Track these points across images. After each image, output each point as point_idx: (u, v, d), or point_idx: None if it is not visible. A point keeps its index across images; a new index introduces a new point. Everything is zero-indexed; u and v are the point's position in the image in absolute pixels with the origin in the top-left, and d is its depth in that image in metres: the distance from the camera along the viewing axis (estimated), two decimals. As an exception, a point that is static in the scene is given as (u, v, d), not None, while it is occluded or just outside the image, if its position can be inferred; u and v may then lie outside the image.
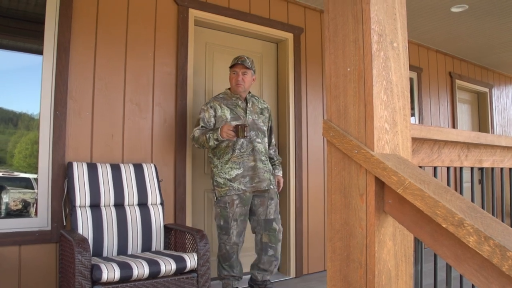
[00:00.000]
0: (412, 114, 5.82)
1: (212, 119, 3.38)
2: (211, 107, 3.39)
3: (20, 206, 3.10)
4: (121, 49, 3.40)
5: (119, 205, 3.05)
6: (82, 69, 3.22)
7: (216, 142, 3.22)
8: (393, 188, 1.15)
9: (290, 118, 4.33)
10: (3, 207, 3.04)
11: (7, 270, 2.82)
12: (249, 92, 3.54)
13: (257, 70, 4.21)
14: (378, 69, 1.28)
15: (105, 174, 3.05)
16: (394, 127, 1.32)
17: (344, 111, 1.34)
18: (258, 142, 3.39)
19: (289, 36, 4.41)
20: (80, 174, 2.95)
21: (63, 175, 3.04)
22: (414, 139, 1.44)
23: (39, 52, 3.09)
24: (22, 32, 3.17)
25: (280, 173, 3.68)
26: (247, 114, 3.41)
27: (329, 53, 1.39)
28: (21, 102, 3.16)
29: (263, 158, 3.40)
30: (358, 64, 1.30)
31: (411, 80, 5.79)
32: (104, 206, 2.98)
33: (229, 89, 3.51)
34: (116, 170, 3.12)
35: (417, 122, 5.84)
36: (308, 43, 4.59)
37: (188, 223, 3.61)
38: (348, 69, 1.33)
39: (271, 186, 3.42)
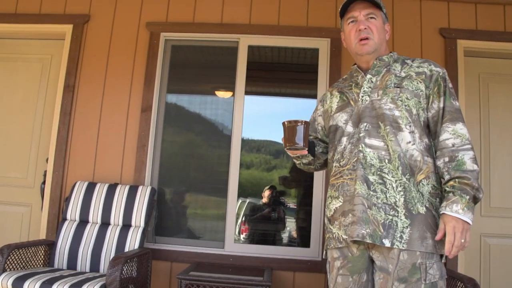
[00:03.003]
0: None
1: (319, 120, 2.03)
2: (320, 101, 2.06)
3: (300, 234, 3.48)
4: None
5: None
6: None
7: (296, 161, 2.02)
8: None
9: None
10: (286, 234, 3.48)
11: (284, 291, 3.21)
12: (390, 53, 1.85)
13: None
14: None
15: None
16: None
17: None
18: (369, 146, 1.69)
19: None
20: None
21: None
22: None
23: (313, 96, 3.51)
24: (300, 81, 3.75)
25: (449, 211, 1.54)
26: (360, 95, 1.80)
27: None
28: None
29: (372, 178, 1.66)
30: None
31: None
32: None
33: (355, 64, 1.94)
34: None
35: None
36: None
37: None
38: None
39: (389, 241, 1.60)
